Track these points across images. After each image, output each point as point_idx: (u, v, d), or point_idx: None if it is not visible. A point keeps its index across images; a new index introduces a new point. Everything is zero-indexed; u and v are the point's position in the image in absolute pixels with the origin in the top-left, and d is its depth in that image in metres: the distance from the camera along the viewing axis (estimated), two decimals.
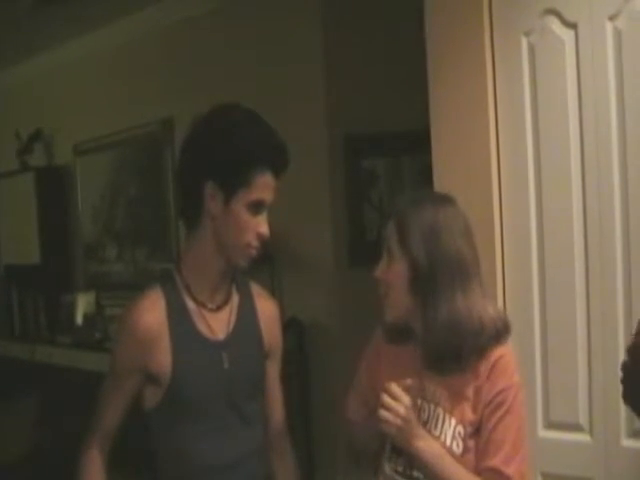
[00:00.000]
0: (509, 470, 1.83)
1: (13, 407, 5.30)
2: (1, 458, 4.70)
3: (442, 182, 2.73)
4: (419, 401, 1.91)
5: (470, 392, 1.86)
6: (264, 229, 1.97)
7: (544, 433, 2.59)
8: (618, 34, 2.40)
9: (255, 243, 1.98)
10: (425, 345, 1.89)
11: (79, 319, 5.87)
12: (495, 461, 1.83)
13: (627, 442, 2.42)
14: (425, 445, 1.85)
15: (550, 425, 2.59)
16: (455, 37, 2.71)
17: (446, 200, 1.96)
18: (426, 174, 2.86)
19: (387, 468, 1.95)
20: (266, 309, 2.17)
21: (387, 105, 4.02)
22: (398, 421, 1.82)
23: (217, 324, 2.04)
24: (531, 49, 2.59)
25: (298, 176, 4.19)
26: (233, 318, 2.07)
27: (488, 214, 2.64)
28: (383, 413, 1.83)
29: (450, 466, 1.84)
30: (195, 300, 2.03)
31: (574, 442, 2.53)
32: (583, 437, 2.51)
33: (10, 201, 6.59)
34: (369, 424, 1.98)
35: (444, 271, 1.86)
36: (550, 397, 2.58)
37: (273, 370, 2.20)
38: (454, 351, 1.85)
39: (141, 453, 2.04)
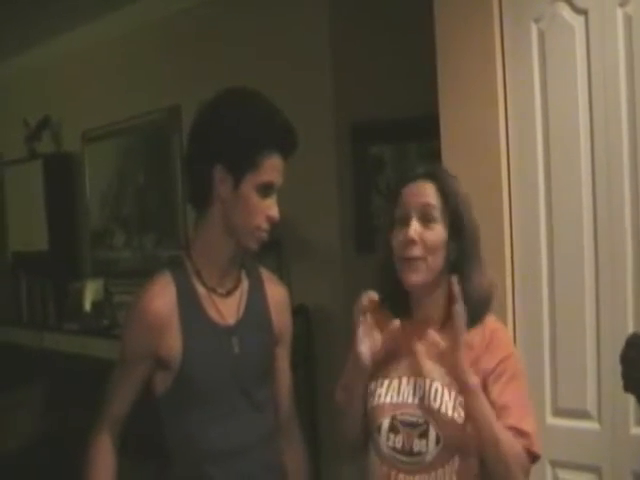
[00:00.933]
0: (527, 427, 1.84)
1: (21, 394, 5.32)
2: (9, 445, 4.72)
3: (450, 169, 2.71)
4: (415, 379, 1.92)
5: (467, 363, 1.84)
6: (274, 212, 1.97)
7: (552, 420, 2.59)
8: (629, 20, 2.38)
9: (265, 226, 1.98)
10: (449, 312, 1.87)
11: (87, 306, 5.88)
12: (510, 420, 1.83)
13: (636, 430, 2.42)
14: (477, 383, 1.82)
15: (558, 412, 2.59)
16: (464, 23, 2.69)
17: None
18: (433, 160, 2.85)
19: (385, 448, 1.93)
20: (276, 294, 2.17)
21: (393, 92, 4.00)
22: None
23: (227, 309, 2.04)
24: (541, 35, 2.57)
25: (305, 163, 4.18)
26: (243, 303, 2.08)
27: (497, 201, 2.63)
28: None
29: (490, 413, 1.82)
30: (205, 285, 2.03)
31: (582, 430, 2.53)
32: (591, 425, 2.51)
33: (18, 188, 6.60)
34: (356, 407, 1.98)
35: (477, 238, 1.93)
36: (558, 384, 2.58)
37: (282, 356, 2.21)
38: (479, 315, 1.90)
39: (151, 438, 2.05)
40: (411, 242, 1.88)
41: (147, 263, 5.54)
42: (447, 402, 1.87)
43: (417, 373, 1.92)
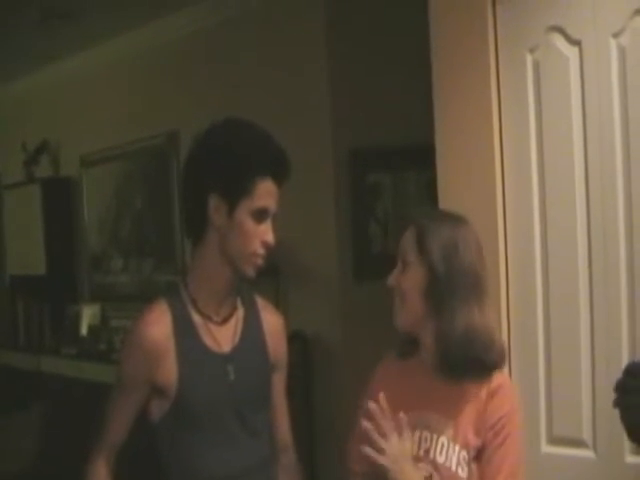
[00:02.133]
0: None
1: (18, 417, 5.31)
2: (6, 468, 4.71)
3: (447, 197, 2.74)
4: (421, 432, 1.93)
5: (473, 416, 1.89)
6: (269, 237, 1.98)
7: (547, 449, 2.59)
8: (622, 51, 2.41)
9: (261, 251, 1.99)
10: (437, 355, 1.91)
11: (84, 330, 5.88)
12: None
13: (631, 459, 2.41)
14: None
15: (553, 441, 2.58)
16: (460, 53, 2.72)
17: (462, 219, 2.00)
18: (431, 189, 2.87)
19: None
20: (271, 322, 2.18)
21: (392, 120, 4.03)
22: (387, 461, 1.84)
23: (223, 337, 2.05)
24: (536, 66, 2.60)
25: (304, 190, 4.21)
26: (239, 331, 2.08)
27: (492, 228, 2.64)
28: (371, 452, 1.83)
29: None
30: (201, 313, 2.04)
31: (577, 458, 2.52)
32: (587, 453, 2.50)
33: (16, 212, 6.61)
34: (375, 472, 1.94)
35: (462, 283, 1.90)
36: (554, 412, 2.57)
37: (278, 383, 2.21)
38: (467, 362, 1.88)
39: (147, 465, 2.05)
40: (390, 289, 1.98)
41: (144, 288, 5.54)
42: (452, 457, 1.89)
43: (425, 426, 1.93)
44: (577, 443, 2.52)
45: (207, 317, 2.04)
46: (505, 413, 1.89)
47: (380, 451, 1.82)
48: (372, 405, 1.84)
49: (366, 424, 1.82)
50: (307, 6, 4.38)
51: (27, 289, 6.50)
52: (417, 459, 1.90)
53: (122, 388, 2.04)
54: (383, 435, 1.83)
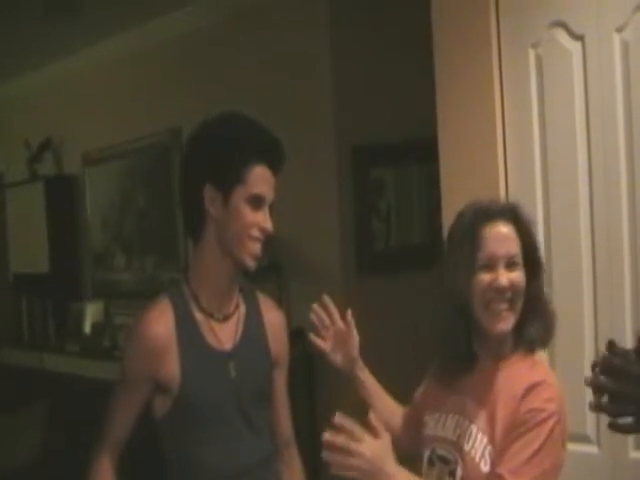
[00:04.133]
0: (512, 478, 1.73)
1: (21, 415, 5.31)
2: (10, 465, 4.71)
3: (449, 191, 2.73)
4: (457, 416, 1.90)
5: (506, 412, 1.81)
6: (267, 224, 1.98)
7: None
8: (625, 46, 2.41)
9: (257, 234, 1.97)
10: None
11: (87, 327, 5.88)
12: (502, 469, 1.75)
13: (635, 454, 2.41)
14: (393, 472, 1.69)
15: None
16: (463, 48, 2.72)
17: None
18: (433, 183, 2.86)
19: (425, 477, 1.90)
20: (273, 319, 2.18)
21: (394, 115, 4.03)
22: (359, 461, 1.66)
23: (224, 334, 2.05)
24: (538, 61, 2.60)
25: (306, 186, 4.21)
26: (240, 328, 2.08)
27: None
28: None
29: None
30: (203, 311, 2.04)
31: (581, 454, 2.51)
32: (590, 449, 2.51)
33: (20, 210, 6.62)
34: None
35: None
36: None
37: (279, 379, 2.21)
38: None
39: (150, 461, 2.06)
40: (503, 290, 1.84)
41: (147, 285, 5.55)
42: (478, 447, 1.82)
43: (461, 411, 1.89)
44: (581, 438, 2.51)
45: (209, 314, 2.04)
46: (533, 408, 1.78)
47: (353, 454, 1.64)
48: (337, 419, 1.64)
49: (328, 435, 1.63)
50: (310, 2, 4.38)
51: (30, 287, 6.51)
52: (449, 443, 1.88)
53: (125, 385, 2.04)
54: (356, 439, 1.64)
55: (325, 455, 1.65)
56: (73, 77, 6.16)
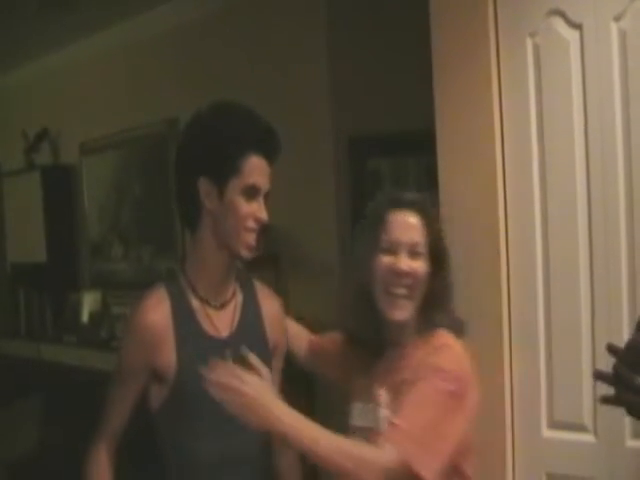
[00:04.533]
0: (400, 421, 1.76)
1: (19, 406, 5.32)
2: (7, 456, 4.72)
3: (447, 183, 2.73)
4: (368, 404, 1.96)
5: (407, 372, 1.88)
6: (262, 214, 1.97)
7: (548, 433, 2.60)
8: (623, 34, 2.40)
9: (252, 225, 1.97)
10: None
11: (85, 318, 5.88)
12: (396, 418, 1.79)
13: (631, 443, 2.42)
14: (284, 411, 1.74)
15: (554, 425, 2.59)
16: (460, 38, 2.71)
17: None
18: (431, 174, 2.86)
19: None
20: (270, 307, 2.18)
21: (391, 106, 4.02)
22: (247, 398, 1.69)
23: (221, 322, 2.05)
24: (536, 50, 2.59)
25: (303, 177, 4.21)
26: (237, 316, 2.08)
27: (493, 216, 2.64)
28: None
29: (315, 426, 1.77)
30: (199, 298, 2.04)
31: (578, 442, 2.53)
32: (587, 437, 2.51)
33: (16, 200, 6.61)
34: None
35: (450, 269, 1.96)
36: (554, 397, 2.58)
37: (277, 368, 2.21)
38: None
39: (147, 449, 2.06)
40: (402, 274, 1.90)
41: (145, 275, 5.54)
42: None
43: (372, 399, 1.96)
44: (578, 427, 2.52)
45: (205, 301, 2.04)
46: (432, 362, 1.82)
47: (237, 392, 1.68)
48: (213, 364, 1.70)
49: (213, 375, 1.69)
50: None
51: (28, 277, 6.50)
52: (367, 431, 1.93)
53: (122, 375, 2.04)
54: (237, 377, 1.68)
55: (213, 392, 1.70)
56: (70, 68, 6.15)
